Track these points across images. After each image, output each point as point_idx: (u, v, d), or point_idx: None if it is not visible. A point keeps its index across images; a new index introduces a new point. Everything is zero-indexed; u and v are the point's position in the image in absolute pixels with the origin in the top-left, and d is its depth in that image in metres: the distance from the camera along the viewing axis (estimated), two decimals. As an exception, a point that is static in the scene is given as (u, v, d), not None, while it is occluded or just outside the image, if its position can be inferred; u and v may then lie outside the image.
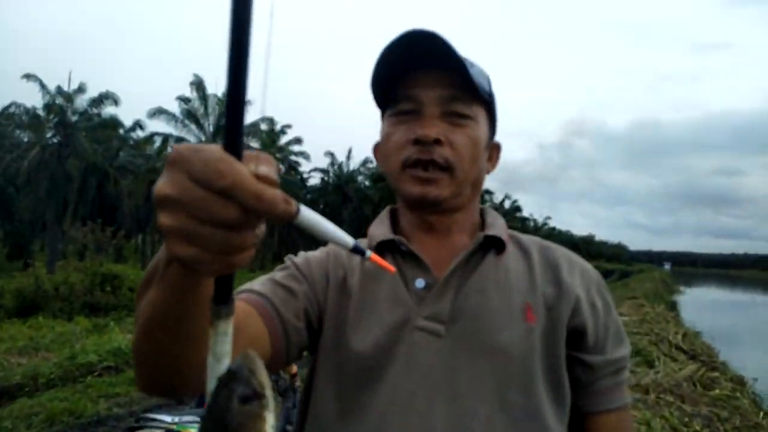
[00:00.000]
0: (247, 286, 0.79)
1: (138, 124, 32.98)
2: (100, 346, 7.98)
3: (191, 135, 27.78)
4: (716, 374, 6.83)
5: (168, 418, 3.02)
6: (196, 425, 2.96)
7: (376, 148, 0.93)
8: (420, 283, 0.81)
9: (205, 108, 27.83)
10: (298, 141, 36.30)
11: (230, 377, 0.38)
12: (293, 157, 36.33)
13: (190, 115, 27.47)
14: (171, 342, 0.55)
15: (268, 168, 0.40)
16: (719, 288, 64.44)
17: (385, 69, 0.82)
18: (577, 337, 0.82)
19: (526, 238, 0.91)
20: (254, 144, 30.93)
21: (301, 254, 0.89)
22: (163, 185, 0.40)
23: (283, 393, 3.80)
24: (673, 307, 22.47)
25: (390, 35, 0.77)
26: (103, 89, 29.95)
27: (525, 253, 0.87)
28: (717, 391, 5.98)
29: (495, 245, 0.85)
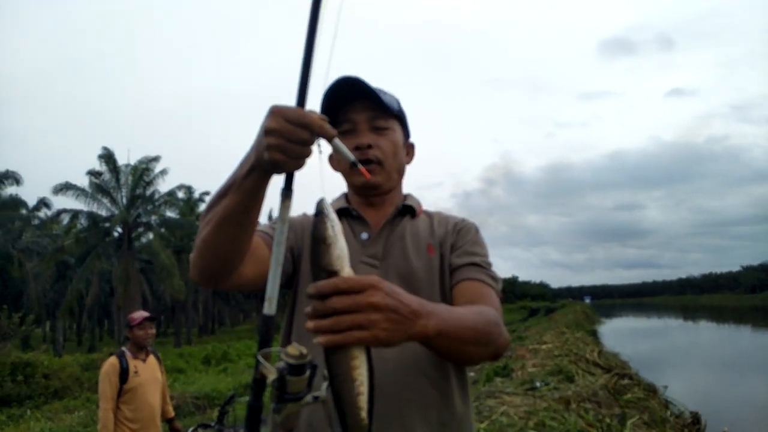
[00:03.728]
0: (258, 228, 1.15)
1: (43, 203, 31.33)
2: (19, 434, 7.47)
3: (103, 209, 26.61)
4: (627, 381, 7.49)
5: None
6: None
7: (331, 158, 1.33)
8: (364, 235, 1.24)
9: (117, 180, 26.85)
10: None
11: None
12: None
13: (101, 189, 26.36)
14: (236, 232, 0.93)
15: (321, 115, 0.82)
16: (636, 317, 67.66)
17: (328, 104, 1.20)
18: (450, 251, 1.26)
19: (435, 211, 1.36)
20: (171, 213, 30.10)
21: None
22: (269, 123, 0.80)
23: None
24: (593, 334, 23.79)
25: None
26: (2, 169, 28.46)
27: (430, 217, 1.33)
28: (629, 395, 6.59)
29: (410, 212, 1.29)
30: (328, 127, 0.81)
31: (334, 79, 1.19)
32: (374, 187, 1.24)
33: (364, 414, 0.78)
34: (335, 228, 0.82)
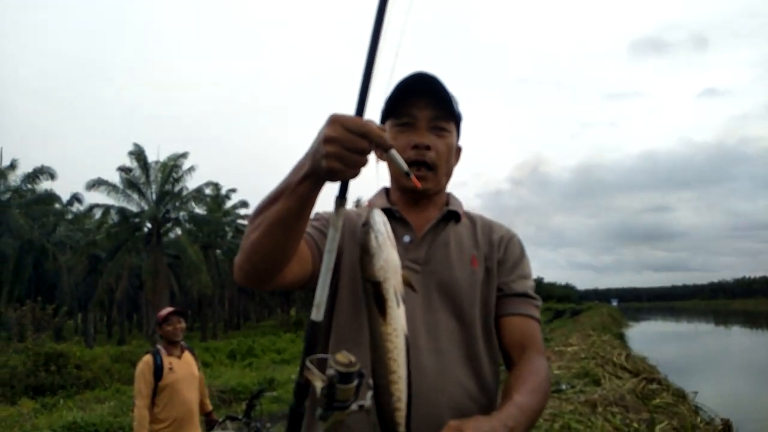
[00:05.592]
0: None
1: (76, 198, 32.09)
2: (53, 422, 7.68)
3: (133, 204, 27.19)
4: (656, 386, 7.34)
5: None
6: None
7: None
8: (407, 238, 1.21)
9: (147, 176, 27.40)
10: (244, 204, 36.18)
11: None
12: (240, 221, 36.12)
13: (132, 185, 26.94)
14: (286, 237, 0.93)
15: (380, 125, 0.82)
16: (665, 320, 66.16)
17: (397, 94, 1.20)
18: (498, 267, 1.24)
19: (476, 214, 1.34)
20: (199, 210, 30.58)
21: (322, 214, 1.24)
22: (328, 131, 0.80)
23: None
24: (620, 337, 23.36)
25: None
26: (38, 164, 29.21)
27: (473, 223, 1.30)
28: (657, 400, 6.45)
29: (454, 217, 1.27)
30: (386, 137, 0.82)
31: (411, 72, 1.19)
32: (424, 194, 1.24)
33: (401, 429, 0.82)
34: (379, 239, 0.84)
